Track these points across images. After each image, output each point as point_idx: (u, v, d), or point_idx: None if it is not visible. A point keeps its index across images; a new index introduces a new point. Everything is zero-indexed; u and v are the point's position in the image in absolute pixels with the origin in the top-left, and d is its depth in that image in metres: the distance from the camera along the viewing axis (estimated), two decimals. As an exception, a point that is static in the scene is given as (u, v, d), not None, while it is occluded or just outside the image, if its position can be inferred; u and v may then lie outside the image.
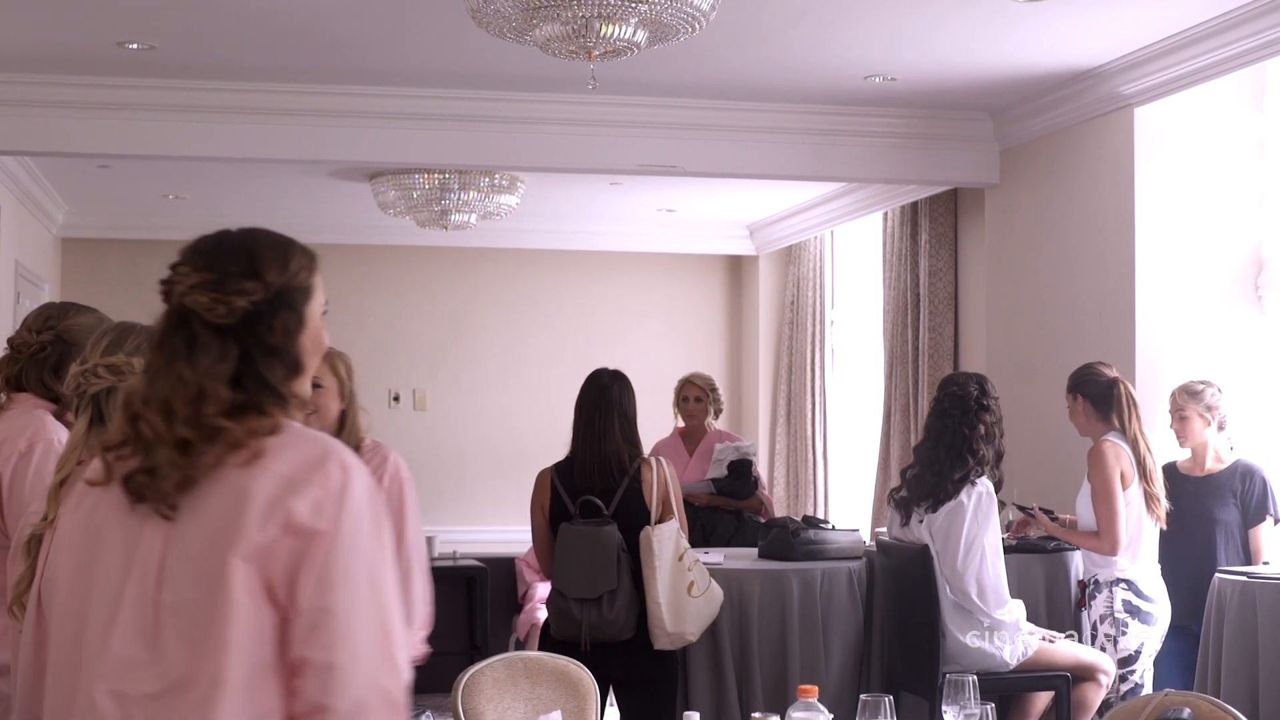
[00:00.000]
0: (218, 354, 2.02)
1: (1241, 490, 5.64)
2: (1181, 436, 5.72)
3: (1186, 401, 5.69)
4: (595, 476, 5.01)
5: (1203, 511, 5.62)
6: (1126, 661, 5.31)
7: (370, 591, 1.97)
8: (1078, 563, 5.79)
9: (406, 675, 1.99)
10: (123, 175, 8.50)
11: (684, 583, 4.95)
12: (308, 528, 1.95)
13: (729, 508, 6.97)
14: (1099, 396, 5.50)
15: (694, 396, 7.42)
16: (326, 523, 1.95)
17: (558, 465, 5.12)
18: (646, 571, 4.90)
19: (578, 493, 5.01)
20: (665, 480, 5.01)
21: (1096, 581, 5.41)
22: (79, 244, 10.19)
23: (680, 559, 4.97)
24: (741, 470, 7.03)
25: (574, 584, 4.93)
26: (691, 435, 7.45)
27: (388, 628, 1.98)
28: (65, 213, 9.82)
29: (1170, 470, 5.66)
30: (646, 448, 7.58)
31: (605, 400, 5.05)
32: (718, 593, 5.13)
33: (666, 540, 4.94)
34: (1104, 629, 5.35)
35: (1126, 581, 5.34)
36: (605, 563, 4.91)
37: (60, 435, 3.19)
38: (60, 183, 8.97)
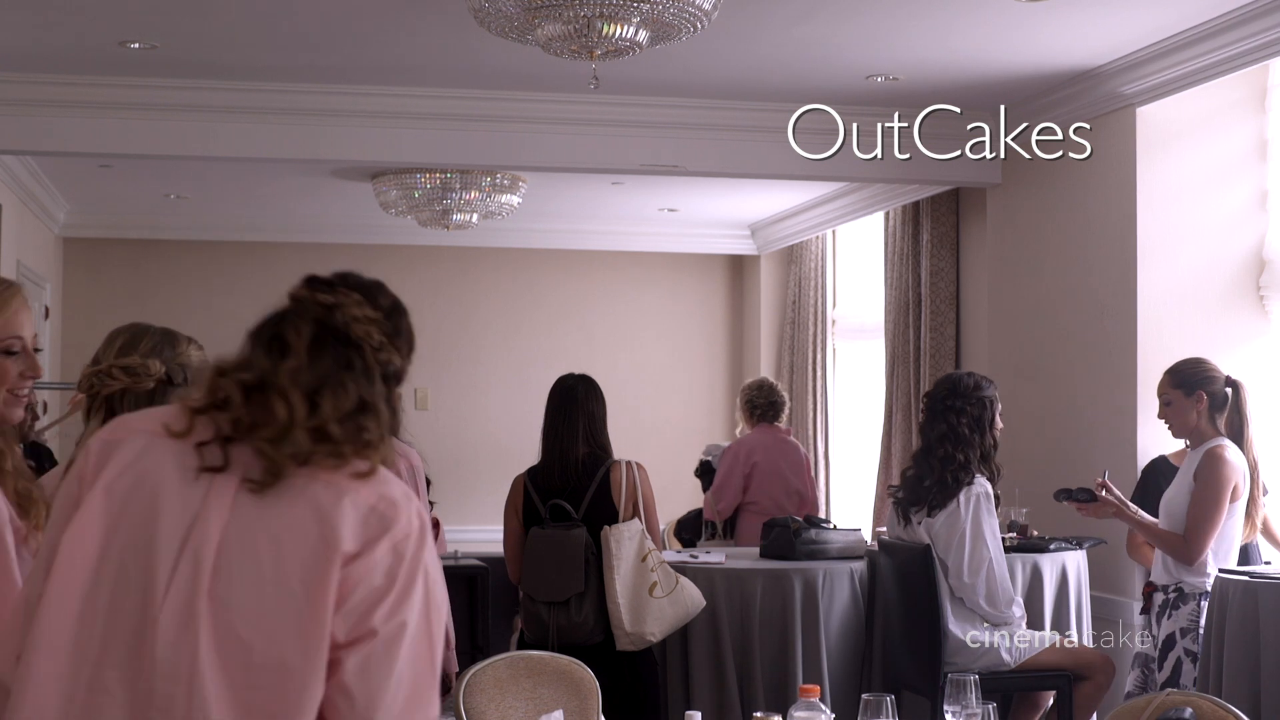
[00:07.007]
0: (381, 391, 2.12)
1: None
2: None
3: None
4: (564, 480, 5.03)
5: None
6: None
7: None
8: (1080, 563, 5.77)
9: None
10: (124, 175, 8.50)
11: (646, 583, 4.96)
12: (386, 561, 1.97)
13: None
14: (1220, 398, 5.07)
15: None
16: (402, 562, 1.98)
17: (531, 470, 5.15)
18: (606, 571, 4.93)
19: (549, 497, 5.03)
20: (634, 482, 5.03)
21: (1180, 591, 4.99)
22: (81, 243, 10.19)
23: (644, 559, 4.97)
24: None
25: (541, 587, 4.96)
26: None
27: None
28: (67, 212, 9.81)
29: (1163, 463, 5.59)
30: (694, 449, 7.50)
31: (570, 403, 5.09)
32: (690, 596, 5.12)
33: (628, 540, 4.95)
34: (1184, 643, 4.93)
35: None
36: (572, 566, 4.93)
37: None
38: (62, 182, 8.97)
